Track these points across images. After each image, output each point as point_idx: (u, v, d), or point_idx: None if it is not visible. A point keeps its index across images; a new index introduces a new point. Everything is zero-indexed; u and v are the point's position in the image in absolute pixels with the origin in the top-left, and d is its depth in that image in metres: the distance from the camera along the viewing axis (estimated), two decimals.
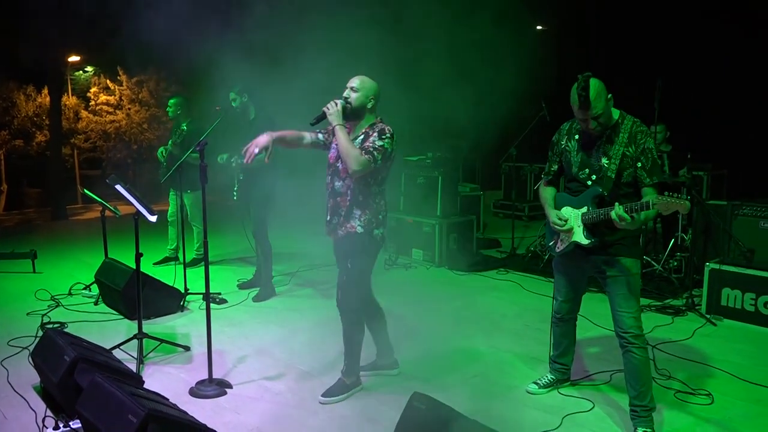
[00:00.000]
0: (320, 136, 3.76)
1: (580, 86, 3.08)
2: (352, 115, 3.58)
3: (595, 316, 4.93)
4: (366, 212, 3.61)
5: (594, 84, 3.08)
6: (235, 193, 5.66)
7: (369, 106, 3.60)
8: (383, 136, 3.52)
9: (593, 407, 3.61)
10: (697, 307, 5.30)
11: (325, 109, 3.52)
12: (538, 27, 13.05)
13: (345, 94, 3.58)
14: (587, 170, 3.30)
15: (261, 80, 5.83)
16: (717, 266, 5.16)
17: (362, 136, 3.57)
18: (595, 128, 3.17)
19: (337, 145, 3.55)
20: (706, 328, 4.96)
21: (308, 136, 3.75)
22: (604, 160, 3.23)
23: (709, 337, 4.79)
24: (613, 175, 3.20)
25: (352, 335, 3.78)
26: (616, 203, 3.07)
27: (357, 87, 3.58)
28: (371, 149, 3.47)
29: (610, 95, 3.16)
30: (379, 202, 3.67)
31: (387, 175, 3.70)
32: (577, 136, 3.37)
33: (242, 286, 6.12)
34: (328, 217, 3.72)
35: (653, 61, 8.64)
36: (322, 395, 3.71)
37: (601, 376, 4.02)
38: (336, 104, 3.52)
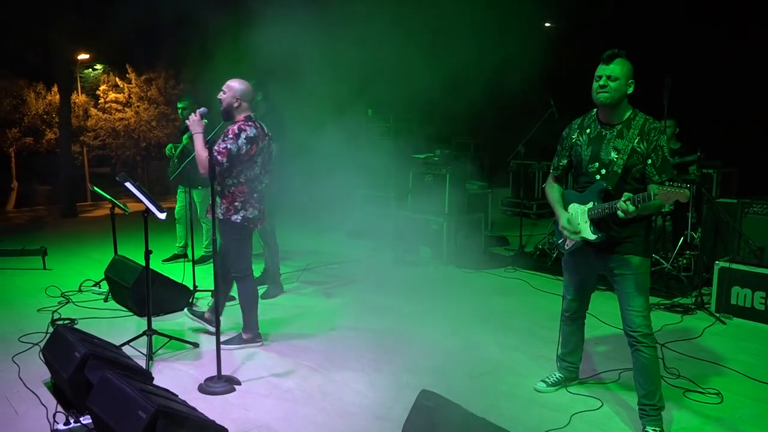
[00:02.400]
0: None
1: (611, 50, 3.18)
2: (224, 115, 4.15)
3: (604, 315, 4.91)
4: (224, 201, 4.17)
5: (624, 58, 3.17)
6: None
7: (236, 105, 4.11)
8: (226, 138, 4.03)
9: (602, 406, 3.60)
10: (706, 306, 5.28)
11: (187, 121, 4.10)
12: (547, 24, 13.00)
13: (219, 96, 4.12)
14: (597, 164, 3.28)
15: (272, 77, 5.84)
16: (727, 264, 5.13)
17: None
18: (605, 93, 3.16)
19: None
20: (716, 327, 4.94)
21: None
22: (614, 154, 3.22)
23: (719, 335, 4.76)
24: (620, 170, 3.19)
25: (241, 294, 4.43)
26: (625, 193, 3.06)
27: (224, 88, 4.12)
28: (216, 153, 3.97)
29: (632, 81, 3.19)
30: (235, 192, 4.16)
31: (246, 168, 4.13)
32: (588, 131, 3.36)
33: None
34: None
35: (662, 59, 8.58)
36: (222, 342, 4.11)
37: (609, 374, 4.01)
38: (196, 114, 4.02)
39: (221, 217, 4.21)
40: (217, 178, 3.96)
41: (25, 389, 3.78)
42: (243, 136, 4.05)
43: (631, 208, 3.00)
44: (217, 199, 4.14)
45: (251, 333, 4.50)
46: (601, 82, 3.17)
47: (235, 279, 4.43)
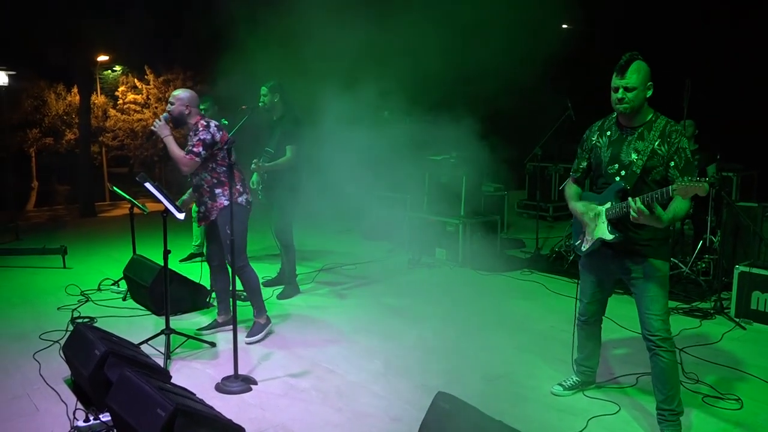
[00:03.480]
0: None
1: (624, 56, 3.13)
2: (176, 123, 4.37)
3: (621, 318, 4.87)
4: (224, 189, 4.41)
5: (639, 62, 3.13)
6: (260, 193, 5.71)
7: (186, 112, 4.35)
8: (197, 131, 4.30)
9: (619, 410, 3.57)
10: (725, 311, 5.22)
11: (152, 127, 4.32)
12: (564, 26, 12.93)
13: (168, 108, 4.37)
14: (616, 165, 3.26)
15: (288, 78, 5.86)
16: (747, 269, 5.06)
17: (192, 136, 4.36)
18: (624, 105, 3.13)
19: (169, 152, 4.32)
20: (735, 332, 4.88)
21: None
22: (634, 156, 3.19)
23: (739, 341, 4.71)
24: (639, 171, 3.17)
25: (247, 283, 4.63)
26: (630, 198, 3.04)
27: (171, 100, 4.35)
28: (191, 148, 4.27)
29: (650, 83, 3.16)
30: (232, 178, 4.31)
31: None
32: (608, 133, 3.34)
33: (267, 284, 6.16)
34: (199, 208, 4.54)
35: (682, 61, 8.49)
36: (246, 337, 4.55)
37: (627, 378, 3.98)
38: (160, 119, 4.31)
39: (226, 203, 4.36)
40: (203, 172, 4.37)
41: (46, 386, 3.83)
42: (211, 125, 4.35)
43: (645, 211, 2.97)
44: (217, 191, 4.43)
45: (264, 315, 4.73)
46: (619, 95, 3.14)
47: (240, 270, 4.48)
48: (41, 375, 3.98)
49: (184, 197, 4.79)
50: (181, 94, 4.41)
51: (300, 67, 6.57)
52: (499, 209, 8.52)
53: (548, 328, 4.97)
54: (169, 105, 4.39)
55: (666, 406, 3.25)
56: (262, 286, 6.07)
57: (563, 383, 3.82)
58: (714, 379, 3.96)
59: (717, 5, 9.44)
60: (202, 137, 4.28)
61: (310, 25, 6.80)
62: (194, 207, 6.94)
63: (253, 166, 5.48)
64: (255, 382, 3.92)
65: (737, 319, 5.05)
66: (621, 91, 3.13)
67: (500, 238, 7.66)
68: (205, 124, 4.34)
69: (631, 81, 3.11)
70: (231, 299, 4.10)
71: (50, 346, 4.48)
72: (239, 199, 4.49)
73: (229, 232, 4.10)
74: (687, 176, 3.06)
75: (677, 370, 3.30)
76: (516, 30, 7.09)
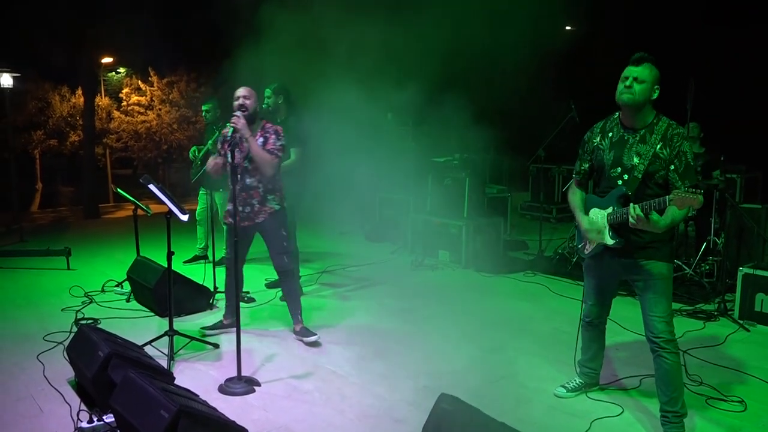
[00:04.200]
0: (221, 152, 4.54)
1: (640, 52, 3.16)
2: (249, 120, 4.29)
3: (625, 320, 4.87)
4: (276, 195, 4.50)
5: (652, 63, 3.16)
6: None
7: (258, 110, 4.41)
8: (280, 137, 4.38)
9: (622, 412, 3.57)
10: (729, 313, 5.20)
11: (233, 125, 4.14)
12: (567, 28, 12.92)
13: (239, 103, 4.27)
14: (619, 169, 3.25)
15: (292, 79, 5.88)
16: (751, 271, 5.05)
17: (261, 139, 4.35)
18: (629, 94, 3.13)
19: (251, 152, 4.30)
20: (739, 334, 4.87)
21: (220, 159, 4.50)
22: (636, 159, 3.19)
23: (742, 342, 4.70)
24: (641, 176, 3.16)
25: (298, 295, 4.78)
26: (631, 204, 3.04)
27: (248, 95, 4.33)
28: (275, 151, 4.33)
29: (658, 87, 3.17)
30: (281, 185, 4.58)
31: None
32: (610, 134, 3.33)
33: (270, 285, 6.18)
34: (242, 208, 4.42)
35: (685, 62, 8.48)
36: (306, 339, 4.57)
37: (630, 380, 3.97)
38: (239, 118, 4.18)
39: (278, 208, 4.52)
40: (262, 175, 4.38)
41: (50, 387, 3.84)
42: (282, 133, 4.46)
43: (643, 217, 2.97)
44: (270, 197, 4.48)
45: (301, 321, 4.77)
46: (627, 83, 3.14)
47: (291, 272, 4.72)
48: (45, 376, 3.99)
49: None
50: (251, 91, 4.40)
51: (304, 67, 6.58)
52: (503, 211, 8.52)
53: (551, 330, 4.97)
54: (243, 100, 4.31)
55: (669, 408, 3.24)
56: (264, 288, 6.12)
57: (566, 385, 3.81)
58: (718, 381, 3.94)
59: (719, 6, 9.43)
60: (283, 142, 4.41)
61: (315, 25, 6.82)
62: (199, 209, 6.99)
63: None
64: (258, 384, 3.92)
65: (741, 321, 5.04)
66: (631, 79, 3.13)
67: (503, 239, 7.66)
68: (279, 128, 4.44)
69: (644, 74, 3.12)
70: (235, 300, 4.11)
71: (54, 347, 4.49)
72: (285, 205, 4.63)
73: (284, 233, 4.46)
74: (687, 180, 3.06)
75: (681, 372, 3.29)
76: (519, 32, 7.10)
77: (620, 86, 3.17)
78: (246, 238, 4.64)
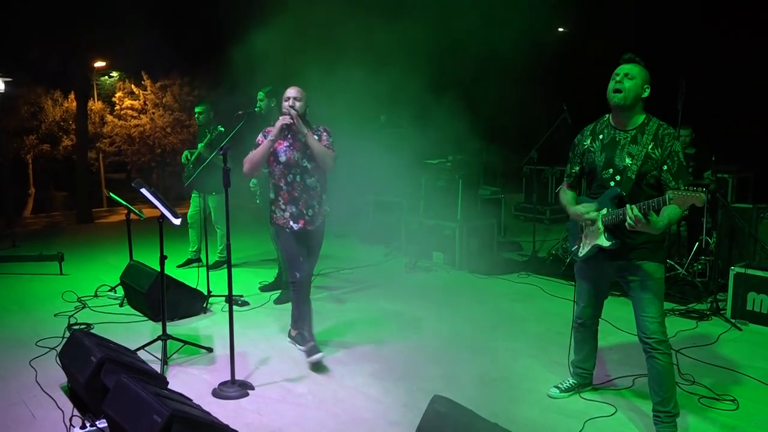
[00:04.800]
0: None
1: (630, 53, 3.20)
2: (299, 120, 4.14)
3: (618, 320, 4.88)
4: (324, 201, 4.42)
5: (642, 65, 3.19)
6: (258, 198, 5.71)
7: (307, 110, 4.26)
8: (330, 135, 4.30)
9: (615, 412, 3.58)
10: (721, 312, 5.23)
11: (288, 123, 4.07)
12: (560, 29, 12.96)
13: (290, 104, 4.14)
14: (611, 170, 3.27)
15: (284, 82, 5.87)
16: (742, 270, 5.08)
17: (315, 137, 4.22)
18: (620, 94, 3.15)
19: (311, 148, 4.16)
20: (731, 333, 4.89)
21: (260, 154, 4.25)
22: (628, 160, 3.20)
23: (735, 342, 4.72)
24: (634, 176, 3.17)
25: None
26: (628, 205, 3.05)
27: (299, 97, 4.20)
28: (331, 147, 4.25)
29: (648, 87, 3.19)
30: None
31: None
32: (601, 136, 3.35)
33: (264, 289, 6.17)
34: (305, 211, 4.26)
35: (676, 62, 8.53)
36: (312, 356, 4.20)
37: (623, 380, 3.99)
38: (292, 117, 4.08)
39: (329, 209, 4.46)
40: (320, 174, 4.31)
41: (42, 393, 3.83)
42: (330, 131, 4.34)
43: (642, 218, 2.98)
44: (323, 197, 4.39)
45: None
46: (618, 79, 3.16)
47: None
48: (38, 382, 3.98)
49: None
50: (301, 92, 4.26)
51: (297, 70, 6.58)
52: (496, 212, 8.52)
53: (545, 331, 4.98)
54: (292, 101, 4.18)
55: (662, 408, 3.25)
56: (258, 291, 6.11)
57: (560, 385, 3.82)
58: (710, 380, 3.96)
59: (713, 5, 9.48)
60: (332, 139, 4.31)
61: (308, 27, 6.83)
62: (191, 212, 6.97)
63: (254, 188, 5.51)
64: (252, 387, 3.92)
65: (733, 321, 5.07)
66: (621, 75, 3.15)
67: (497, 241, 7.67)
68: (327, 127, 4.35)
69: (634, 70, 3.15)
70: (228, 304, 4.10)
71: (47, 353, 4.48)
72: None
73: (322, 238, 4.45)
74: (681, 181, 3.08)
75: (673, 372, 3.31)
76: (512, 34, 7.12)
77: (611, 84, 3.19)
78: (302, 239, 4.33)
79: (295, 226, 4.25)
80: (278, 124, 4.09)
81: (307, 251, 4.37)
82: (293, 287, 4.34)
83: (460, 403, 2.84)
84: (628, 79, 3.14)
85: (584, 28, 10.73)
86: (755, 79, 9.20)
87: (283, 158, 4.20)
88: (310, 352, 4.24)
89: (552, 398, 3.77)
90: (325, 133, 4.29)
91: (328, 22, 6.87)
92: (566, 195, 3.57)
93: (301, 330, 4.43)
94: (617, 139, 3.26)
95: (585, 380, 3.84)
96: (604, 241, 3.28)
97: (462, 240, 7.09)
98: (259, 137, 4.25)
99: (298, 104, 4.18)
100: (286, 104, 4.17)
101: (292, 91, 4.22)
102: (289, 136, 4.23)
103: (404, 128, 9.52)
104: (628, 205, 3.05)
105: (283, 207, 4.26)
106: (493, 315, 5.44)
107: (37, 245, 8.24)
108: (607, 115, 3.38)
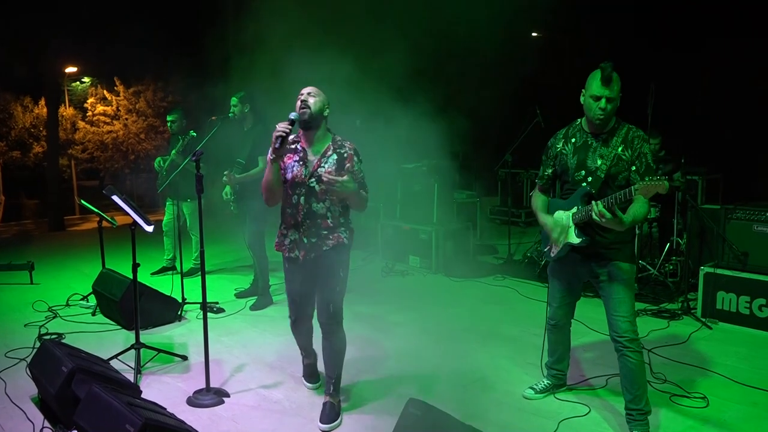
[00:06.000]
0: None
1: (608, 66, 3.16)
2: (311, 121, 3.34)
3: (591, 321, 4.95)
4: (348, 223, 3.54)
5: (618, 80, 3.21)
6: (232, 205, 5.68)
7: (326, 113, 3.41)
8: (360, 158, 3.46)
9: (589, 411, 3.62)
10: (692, 311, 5.33)
11: (281, 134, 3.21)
12: (533, 34, 13.13)
13: (303, 98, 3.34)
14: (583, 172, 3.33)
15: (261, 91, 5.85)
16: (712, 270, 5.18)
17: (333, 155, 3.38)
18: (602, 114, 3.19)
19: (342, 195, 3.33)
20: (702, 332, 4.98)
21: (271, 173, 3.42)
22: (599, 161, 3.27)
23: (705, 340, 4.81)
24: (603, 175, 3.24)
25: (341, 354, 3.63)
26: (593, 201, 3.10)
27: (314, 93, 3.38)
28: (363, 181, 3.44)
29: (620, 95, 3.25)
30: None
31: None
32: (573, 140, 3.40)
33: (240, 296, 6.13)
34: (306, 240, 3.42)
35: (645, 66, 8.68)
36: (324, 424, 3.46)
37: (597, 380, 4.04)
38: (286, 130, 3.22)
39: (347, 243, 3.51)
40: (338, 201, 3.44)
41: (12, 405, 3.75)
42: (359, 152, 3.52)
43: (607, 215, 3.02)
44: (343, 228, 3.49)
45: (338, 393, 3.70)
46: (601, 104, 3.18)
47: (339, 323, 3.58)
48: (7, 394, 3.90)
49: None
50: (322, 91, 3.45)
51: (272, 74, 6.57)
52: (472, 216, 8.58)
53: (520, 333, 5.02)
54: (306, 96, 3.37)
55: (634, 406, 3.30)
56: (234, 297, 6.07)
57: (535, 386, 3.86)
58: (681, 378, 4.03)
59: (682, 11, 9.67)
60: (362, 165, 3.47)
61: (281, 32, 6.81)
62: (165, 219, 6.90)
63: (224, 177, 5.45)
64: (227, 395, 3.89)
65: (704, 319, 5.16)
66: (604, 101, 3.17)
67: (473, 244, 7.72)
68: (354, 145, 3.49)
69: (614, 92, 3.18)
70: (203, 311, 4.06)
71: (16, 363, 4.39)
72: (351, 242, 3.58)
73: (342, 275, 3.47)
74: (647, 177, 3.13)
75: (644, 370, 3.36)
76: (487, 38, 7.19)
77: (593, 105, 3.21)
78: (306, 273, 3.53)
79: (292, 255, 3.50)
80: (274, 135, 3.24)
81: (317, 282, 3.54)
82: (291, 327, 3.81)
83: (435, 405, 2.86)
84: (609, 103, 3.19)
85: (557, 33, 10.89)
86: (723, 81, 9.41)
87: (289, 175, 3.40)
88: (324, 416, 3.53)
89: (527, 399, 3.80)
90: (354, 156, 3.42)
91: (304, 24, 6.86)
92: (537, 200, 3.62)
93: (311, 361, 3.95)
94: (589, 143, 3.33)
95: (559, 381, 3.88)
96: (574, 239, 3.32)
97: (438, 244, 7.12)
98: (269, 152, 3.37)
99: (311, 99, 3.34)
100: (297, 104, 3.37)
101: (305, 89, 3.42)
102: (299, 148, 3.43)
103: (379, 132, 9.54)
104: (593, 201, 3.11)
105: (284, 232, 3.52)
106: (468, 318, 5.47)
107: (7, 254, 8.07)
108: (579, 120, 3.44)
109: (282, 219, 3.53)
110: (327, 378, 3.62)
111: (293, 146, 3.44)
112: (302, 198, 3.39)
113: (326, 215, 3.41)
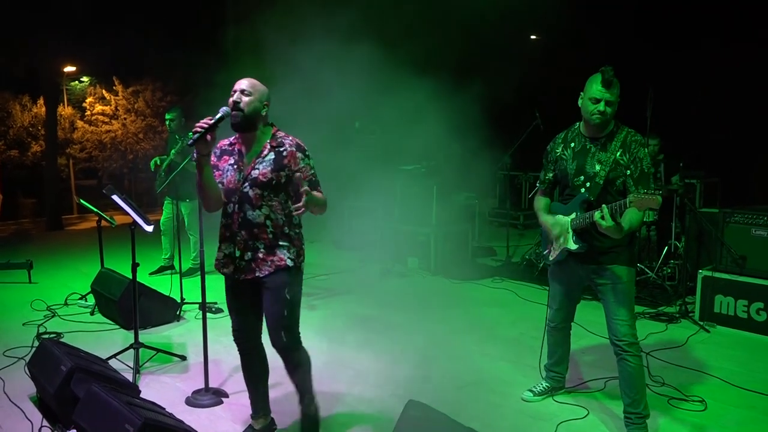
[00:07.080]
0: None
1: (609, 69, 3.18)
2: (244, 123, 2.94)
3: (590, 324, 4.95)
4: (294, 245, 3.07)
5: (618, 84, 3.23)
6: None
7: (263, 113, 2.99)
8: (306, 153, 3.05)
9: (588, 414, 3.63)
10: (690, 314, 5.34)
11: (199, 129, 2.80)
12: (532, 36, 13.15)
13: (235, 98, 2.93)
14: (582, 177, 3.34)
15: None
16: (710, 273, 5.19)
17: (270, 154, 2.98)
18: (600, 117, 3.20)
19: (257, 172, 2.96)
20: (700, 335, 4.99)
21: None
22: (597, 167, 3.27)
23: (703, 343, 4.82)
24: (602, 182, 3.25)
25: (307, 372, 3.31)
26: (603, 205, 3.11)
27: (248, 90, 2.95)
28: (315, 179, 3.05)
29: (618, 99, 3.26)
30: (299, 233, 3.13)
31: None
32: (572, 144, 3.41)
33: None
34: (238, 254, 3.02)
35: (645, 70, 8.70)
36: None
37: (595, 383, 4.05)
38: (202, 129, 2.79)
39: (292, 265, 3.04)
40: (280, 208, 3.03)
41: (10, 404, 3.75)
42: (304, 146, 3.11)
43: (610, 220, 3.03)
44: (285, 244, 3.03)
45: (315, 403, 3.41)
46: (600, 107, 3.19)
47: (297, 348, 3.20)
48: (5, 393, 3.89)
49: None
50: (260, 85, 3.02)
51: (270, 74, 6.57)
52: (471, 218, 8.59)
53: (518, 335, 5.03)
54: (238, 95, 2.94)
55: (632, 410, 3.31)
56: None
57: (533, 389, 3.87)
58: (679, 381, 4.04)
59: (678, 13, 9.69)
60: (313, 164, 3.07)
61: (279, 33, 6.82)
62: (164, 218, 6.89)
63: None
64: (226, 395, 3.89)
65: (701, 323, 5.17)
66: (603, 104, 3.19)
67: (471, 246, 7.73)
68: (298, 139, 3.10)
69: (614, 95, 3.19)
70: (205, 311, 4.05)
71: (15, 362, 4.38)
72: (301, 263, 3.14)
73: (288, 298, 3.02)
74: (641, 186, 3.15)
75: (643, 374, 3.37)
76: (487, 41, 7.21)
77: (592, 107, 3.22)
78: (247, 297, 3.14)
79: (226, 271, 3.12)
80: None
81: (255, 309, 3.14)
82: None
83: (434, 407, 2.86)
84: (609, 106, 3.20)
85: (556, 36, 10.90)
86: (722, 85, 9.43)
87: (224, 180, 3.04)
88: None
89: (526, 402, 3.81)
90: (296, 153, 3.01)
91: (303, 25, 6.87)
92: (539, 202, 3.64)
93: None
94: (587, 147, 3.34)
95: (558, 383, 3.89)
96: (572, 244, 3.34)
97: (437, 245, 7.13)
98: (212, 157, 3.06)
99: (244, 99, 2.93)
100: (230, 100, 2.96)
101: (240, 83, 2.99)
102: (235, 150, 3.07)
103: (378, 134, 9.55)
104: (603, 205, 3.10)
105: (220, 246, 3.12)
106: (467, 320, 5.47)
107: (6, 253, 8.06)
108: (577, 124, 3.44)
109: (219, 234, 3.12)
110: (300, 395, 3.33)
111: (229, 147, 3.10)
112: (236, 206, 3.00)
113: (265, 224, 2.98)
